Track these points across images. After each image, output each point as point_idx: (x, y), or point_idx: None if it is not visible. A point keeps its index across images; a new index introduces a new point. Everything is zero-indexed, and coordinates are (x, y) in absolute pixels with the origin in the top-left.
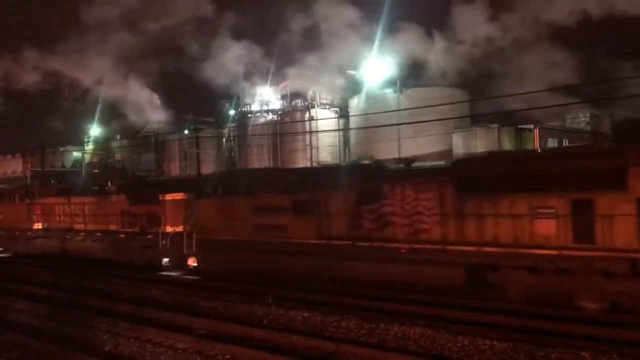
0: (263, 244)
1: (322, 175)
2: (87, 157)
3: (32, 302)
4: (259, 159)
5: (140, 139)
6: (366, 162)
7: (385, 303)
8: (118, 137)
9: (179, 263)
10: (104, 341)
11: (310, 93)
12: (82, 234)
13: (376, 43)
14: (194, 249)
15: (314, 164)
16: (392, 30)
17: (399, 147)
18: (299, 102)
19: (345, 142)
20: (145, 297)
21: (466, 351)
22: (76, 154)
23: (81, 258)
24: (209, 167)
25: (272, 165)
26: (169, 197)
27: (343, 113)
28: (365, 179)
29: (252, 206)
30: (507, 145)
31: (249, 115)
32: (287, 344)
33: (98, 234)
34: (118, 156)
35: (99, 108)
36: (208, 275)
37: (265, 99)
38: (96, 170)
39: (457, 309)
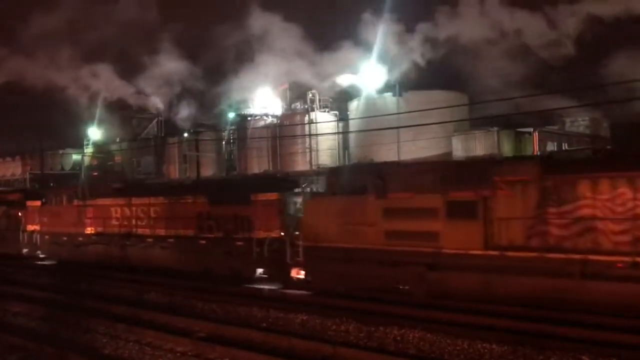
0: (400, 255)
1: (483, 168)
2: (87, 159)
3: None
4: (259, 162)
5: (139, 142)
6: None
7: (383, 305)
8: (117, 139)
9: (278, 275)
10: (103, 344)
11: (309, 96)
12: (149, 239)
13: (375, 46)
14: (301, 258)
15: (314, 168)
16: (390, 32)
17: (398, 151)
18: (298, 105)
19: (345, 146)
20: (143, 299)
21: (465, 354)
22: (75, 157)
23: (146, 267)
24: (208, 170)
25: (271, 169)
26: (261, 196)
27: (342, 116)
28: (551, 172)
29: (385, 207)
30: (507, 148)
31: (249, 119)
32: (286, 347)
33: (170, 239)
34: (118, 159)
35: (98, 111)
36: (320, 290)
37: (264, 102)
38: (96, 173)
39: (455, 312)
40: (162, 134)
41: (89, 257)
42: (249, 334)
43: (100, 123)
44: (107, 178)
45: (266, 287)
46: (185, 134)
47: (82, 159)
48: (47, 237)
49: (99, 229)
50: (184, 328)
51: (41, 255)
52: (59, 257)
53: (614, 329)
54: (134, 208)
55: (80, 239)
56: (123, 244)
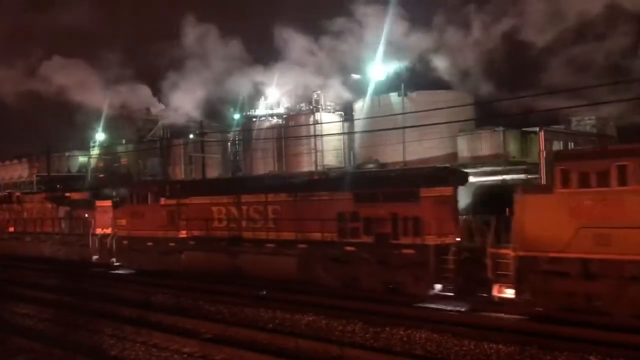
0: None
1: None
2: (93, 161)
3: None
4: (264, 163)
5: (145, 144)
6: (370, 165)
7: (389, 306)
8: (123, 141)
9: (466, 292)
10: (110, 345)
11: (314, 96)
12: (270, 245)
13: (380, 46)
14: (511, 273)
15: (319, 168)
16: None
17: (403, 151)
18: (303, 106)
19: (350, 146)
20: (150, 300)
21: (472, 355)
22: (82, 159)
23: (262, 278)
24: (213, 171)
25: (276, 169)
26: (428, 192)
27: (348, 117)
28: None
29: None
30: (513, 148)
31: (254, 119)
32: (292, 348)
33: (302, 245)
34: (124, 161)
35: (104, 113)
36: (544, 313)
37: (270, 102)
38: (102, 175)
39: (461, 312)
40: (168, 136)
41: (182, 266)
42: (256, 335)
43: (106, 125)
44: (113, 180)
45: (450, 308)
46: (191, 136)
47: (88, 161)
48: (125, 242)
49: (197, 233)
50: (191, 329)
51: (116, 264)
52: (140, 265)
53: (621, 330)
54: (244, 207)
55: (172, 244)
56: (232, 250)
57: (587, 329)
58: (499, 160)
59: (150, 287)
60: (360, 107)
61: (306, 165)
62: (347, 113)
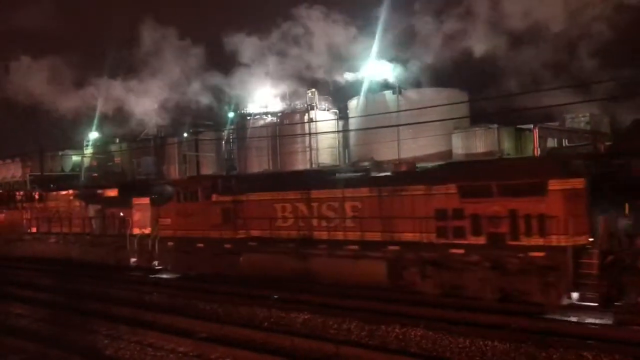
0: None
1: None
2: (86, 160)
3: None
4: (259, 161)
5: (139, 143)
6: (366, 163)
7: (384, 304)
8: (117, 140)
9: (611, 301)
10: (105, 345)
11: (309, 95)
12: (352, 246)
13: (375, 44)
14: None
15: (314, 166)
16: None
17: (398, 149)
18: (298, 104)
19: (345, 144)
20: (145, 300)
21: (467, 352)
22: (75, 158)
23: (343, 284)
24: (208, 170)
25: (271, 168)
26: (557, 184)
27: (342, 115)
28: None
29: None
30: (507, 145)
31: (248, 118)
32: (288, 346)
33: (394, 246)
34: (117, 160)
35: (97, 112)
36: None
37: (264, 101)
38: (95, 174)
39: (457, 310)
40: (162, 135)
41: (240, 269)
42: (251, 334)
43: (100, 124)
44: (107, 179)
45: (591, 320)
46: (185, 134)
47: (82, 160)
48: (170, 243)
49: (257, 233)
50: (186, 328)
51: (158, 267)
52: (188, 269)
53: (614, 326)
54: (314, 204)
55: (228, 245)
56: (302, 252)
57: (582, 326)
58: (494, 158)
59: (144, 286)
60: (355, 105)
61: (300, 164)
62: (342, 111)
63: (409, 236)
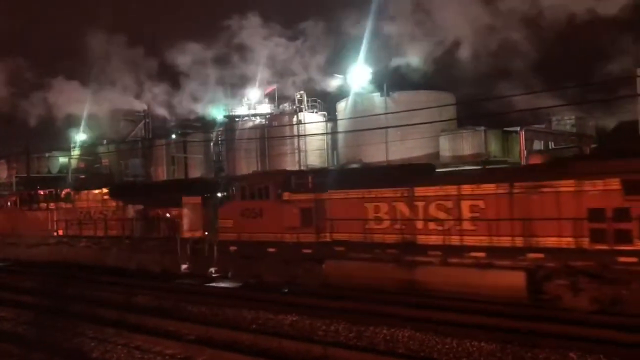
0: None
1: None
2: (74, 162)
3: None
4: (247, 163)
5: (127, 144)
6: (354, 165)
7: (372, 305)
8: (105, 142)
9: None
10: (91, 348)
11: (297, 96)
12: (478, 253)
13: (363, 47)
14: None
15: (302, 168)
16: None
17: (386, 151)
18: (286, 106)
19: (334, 146)
20: (131, 302)
21: (454, 353)
22: (62, 160)
23: (465, 298)
24: (196, 172)
25: (259, 169)
26: None
27: (331, 117)
28: None
29: None
30: (494, 147)
31: (237, 120)
32: (275, 348)
33: (534, 254)
34: (105, 161)
35: (85, 114)
36: None
37: (252, 103)
38: (83, 176)
39: (444, 310)
40: (150, 136)
41: (322, 278)
42: (239, 336)
43: (87, 125)
44: (95, 181)
45: None
46: (173, 136)
47: (69, 161)
48: (232, 248)
49: (343, 236)
50: (173, 331)
51: (215, 275)
52: (253, 276)
53: (601, 326)
54: (419, 203)
55: (307, 250)
56: (406, 260)
57: (568, 326)
58: (481, 160)
59: (131, 288)
60: (343, 108)
61: (289, 165)
62: (331, 113)
63: (552, 241)
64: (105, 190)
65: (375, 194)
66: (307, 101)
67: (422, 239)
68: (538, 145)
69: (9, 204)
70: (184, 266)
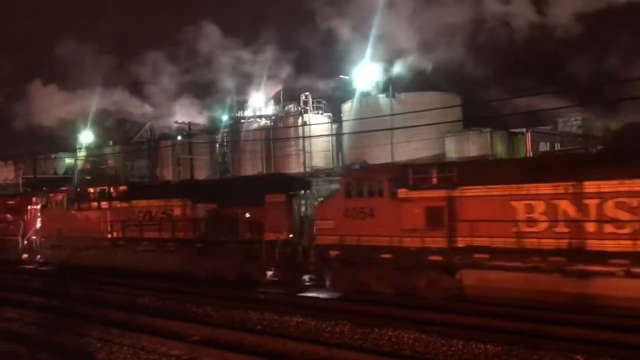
0: None
1: None
2: (80, 163)
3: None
4: (252, 165)
5: (132, 145)
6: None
7: (377, 307)
8: (110, 143)
9: None
10: (97, 348)
11: (302, 98)
12: None
13: (368, 48)
14: None
15: (307, 170)
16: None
17: (392, 152)
18: (291, 108)
19: (339, 147)
20: (137, 303)
21: (460, 355)
22: (68, 161)
23: None
24: (202, 173)
25: (264, 171)
26: None
27: (336, 118)
28: None
29: None
30: (500, 149)
31: (242, 121)
32: (280, 349)
33: None
34: (111, 162)
35: (91, 114)
36: None
37: (258, 104)
38: (89, 177)
39: (449, 312)
40: (155, 137)
41: (462, 290)
42: (244, 337)
43: (93, 127)
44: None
45: None
46: (179, 137)
47: (75, 163)
48: (332, 252)
49: (486, 241)
50: (179, 332)
51: (308, 283)
52: (358, 285)
53: (607, 328)
54: (592, 201)
55: (436, 257)
56: (579, 270)
57: (573, 328)
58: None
59: (136, 289)
60: (349, 109)
61: (294, 167)
62: (336, 114)
63: None
64: (169, 186)
65: (527, 190)
66: (312, 102)
67: (594, 244)
68: (544, 146)
69: (53, 203)
70: (269, 273)
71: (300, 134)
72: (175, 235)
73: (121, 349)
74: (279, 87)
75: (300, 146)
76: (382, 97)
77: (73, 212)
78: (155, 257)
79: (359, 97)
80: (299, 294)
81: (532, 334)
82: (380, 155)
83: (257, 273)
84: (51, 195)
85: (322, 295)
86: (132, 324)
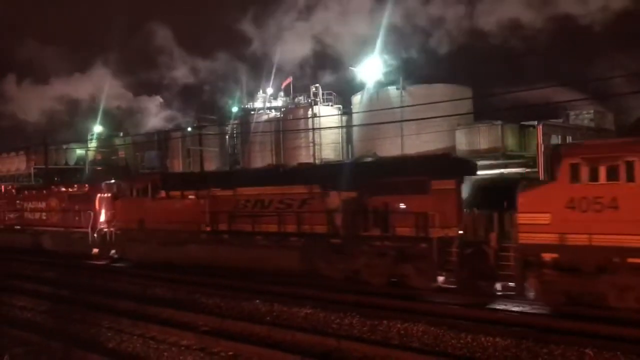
0: None
1: None
2: (91, 154)
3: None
4: (262, 156)
5: (143, 136)
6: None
7: (386, 299)
8: (121, 134)
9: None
10: (107, 338)
11: (312, 89)
12: None
13: (379, 39)
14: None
15: (317, 162)
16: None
17: (402, 144)
18: (301, 99)
19: (348, 139)
20: (147, 293)
21: (469, 348)
22: (79, 151)
23: None
24: (211, 164)
25: (274, 163)
26: None
27: (346, 110)
28: None
29: None
30: (511, 142)
31: (252, 113)
32: (289, 341)
33: None
34: (121, 153)
35: (101, 107)
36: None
37: (268, 96)
38: (99, 168)
39: (459, 305)
40: (166, 129)
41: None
42: (253, 328)
43: (104, 118)
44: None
45: None
46: (189, 129)
47: (86, 153)
48: (548, 255)
49: None
50: (188, 322)
51: (500, 292)
52: (587, 297)
53: (617, 323)
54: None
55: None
56: None
57: (584, 322)
58: (497, 154)
59: (147, 279)
60: (359, 101)
61: (304, 159)
62: (346, 106)
63: None
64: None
65: None
66: (322, 94)
67: None
68: (555, 139)
69: (135, 191)
70: (440, 279)
71: (310, 126)
72: (300, 229)
73: (131, 339)
74: (290, 79)
75: (310, 138)
76: (392, 90)
77: (160, 200)
78: (272, 254)
79: (370, 88)
80: (488, 307)
81: (541, 328)
82: (390, 147)
83: (420, 278)
84: (132, 181)
85: (523, 308)
86: (142, 313)
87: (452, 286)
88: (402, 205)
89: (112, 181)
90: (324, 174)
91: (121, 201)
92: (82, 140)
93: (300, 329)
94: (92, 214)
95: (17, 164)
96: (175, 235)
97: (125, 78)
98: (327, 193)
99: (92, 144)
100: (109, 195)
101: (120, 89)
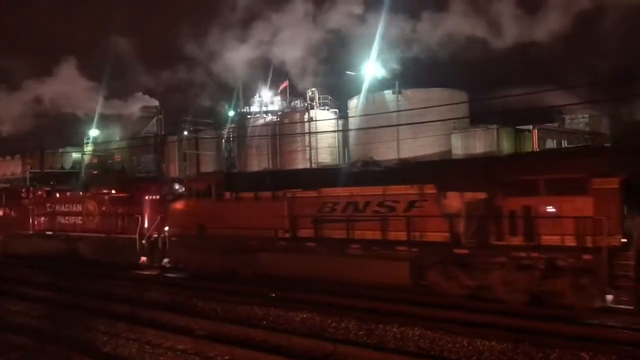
0: None
1: None
2: (87, 158)
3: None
4: (258, 160)
5: (139, 140)
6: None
7: (382, 303)
8: (117, 138)
9: None
10: (103, 342)
11: (309, 93)
12: None
13: (375, 43)
14: None
15: (313, 166)
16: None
17: (398, 148)
18: (298, 103)
19: (345, 143)
20: (143, 297)
21: (465, 352)
22: (75, 155)
23: None
24: (208, 168)
25: (270, 166)
26: None
27: (342, 114)
28: None
29: None
30: (506, 145)
31: (248, 117)
32: (286, 345)
33: None
34: (117, 157)
35: (98, 110)
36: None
37: (264, 100)
38: (95, 172)
39: (455, 309)
40: (162, 133)
41: None
42: (250, 332)
43: (100, 122)
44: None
45: None
46: (185, 133)
47: (82, 157)
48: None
49: None
50: (185, 326)
51: None
52: None
53: (613, 327)
54: None
55: None
56: None
57: (579, 326)
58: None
59: (143, 283)
60: (355, 105)
61: (300, 163)
62: (342, 110)
63: None
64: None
65: None
66: (319, 98)
67: None
68: (551, 143)
69: (194, 192)
70: (609, 297)
71: (307, 130)
72: (410, 237)
73: (127, 343)
74: (286, 83)
75: (307, 142)
76: (389, 94)
77: (226, 203)
78: (371, 266)
79: (367, 92)
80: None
81: (537, 332)
82: (386, 151)
83: (580, 297)
84: (190, 182)
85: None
86: (138, 318)
87: (626, 306)
88: (550, 209)
89: (168, 182)
90: (437, 172)
91: (178, 204)
92: (78, 144)
93: (297, 333)
94: (139, 218)
95: (12, 167)
96: (243, 242)
97: (122, 81)
98: (444, 194)
99: (88, 148)
100: (158, 197)
101: (114, 95)
